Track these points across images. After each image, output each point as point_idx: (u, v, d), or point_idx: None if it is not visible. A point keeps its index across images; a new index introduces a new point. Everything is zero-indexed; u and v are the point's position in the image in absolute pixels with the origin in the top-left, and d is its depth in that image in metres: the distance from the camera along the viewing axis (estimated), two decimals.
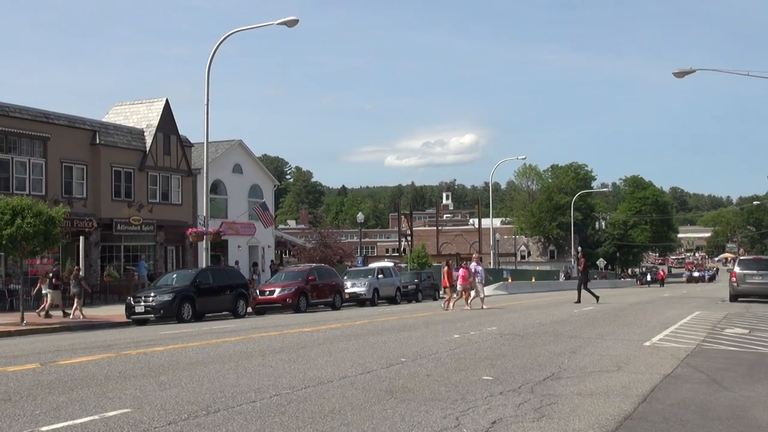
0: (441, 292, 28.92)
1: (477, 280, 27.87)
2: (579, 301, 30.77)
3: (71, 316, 25.77)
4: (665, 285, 78.50)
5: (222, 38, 31.69)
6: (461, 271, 28.26)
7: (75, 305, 26.12)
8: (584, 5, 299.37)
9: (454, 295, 28.28)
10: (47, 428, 6.89)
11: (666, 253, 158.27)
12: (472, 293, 28.11)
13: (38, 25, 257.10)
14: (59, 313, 26.22)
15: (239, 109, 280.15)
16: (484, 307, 27.15)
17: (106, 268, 37.02)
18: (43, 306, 26.14)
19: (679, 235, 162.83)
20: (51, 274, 26.90)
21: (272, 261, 50.42)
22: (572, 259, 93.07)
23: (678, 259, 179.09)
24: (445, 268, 29.61)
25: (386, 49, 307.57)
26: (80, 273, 28.47)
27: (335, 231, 63.55)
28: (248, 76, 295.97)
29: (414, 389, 8.86)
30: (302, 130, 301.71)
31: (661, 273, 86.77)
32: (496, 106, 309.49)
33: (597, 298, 31.18)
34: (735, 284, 32.17)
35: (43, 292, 26.68)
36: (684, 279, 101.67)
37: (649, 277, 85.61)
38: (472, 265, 28.55)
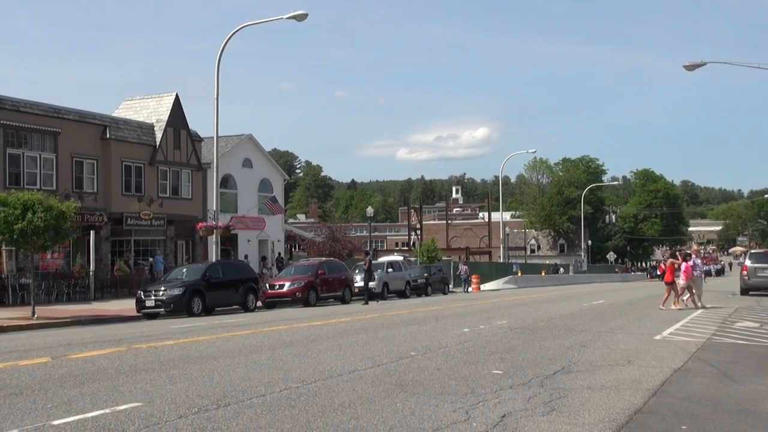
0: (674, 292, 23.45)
1: (696, 275, 24.03)
2: (367, 303, 30.76)
3: None
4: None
5: (231, 33, 31.82)
6: (684, 266, 23.62)
7: None
8: None
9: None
10: (59, 422, 6.92)
11: (679, 247, 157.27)
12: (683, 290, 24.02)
13: (49, 20, 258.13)
14: None
15: (250, 103, 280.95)
16: (702, 304, 23.53)
17: (117, 262, 37.16)
18: None
19: (690, 229, 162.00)
20: None
21: (279, 254, 50.39)
22: (582, 254, 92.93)
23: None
24: (669, 261, 24.87)
25: (399, 42, 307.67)
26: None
27: (345, 225, 63.43)
28: (259, 71, 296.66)
29: (424, 383, 8.86)
30: (313, 125, 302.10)
31: (662, 267, 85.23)
32: (507, 99, 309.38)
33: (367, 302, 31.15)
34: (746, 278, 32.05)
35: None
36: None
37: (659, 271, 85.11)
38: (693, 259, 24.30)
